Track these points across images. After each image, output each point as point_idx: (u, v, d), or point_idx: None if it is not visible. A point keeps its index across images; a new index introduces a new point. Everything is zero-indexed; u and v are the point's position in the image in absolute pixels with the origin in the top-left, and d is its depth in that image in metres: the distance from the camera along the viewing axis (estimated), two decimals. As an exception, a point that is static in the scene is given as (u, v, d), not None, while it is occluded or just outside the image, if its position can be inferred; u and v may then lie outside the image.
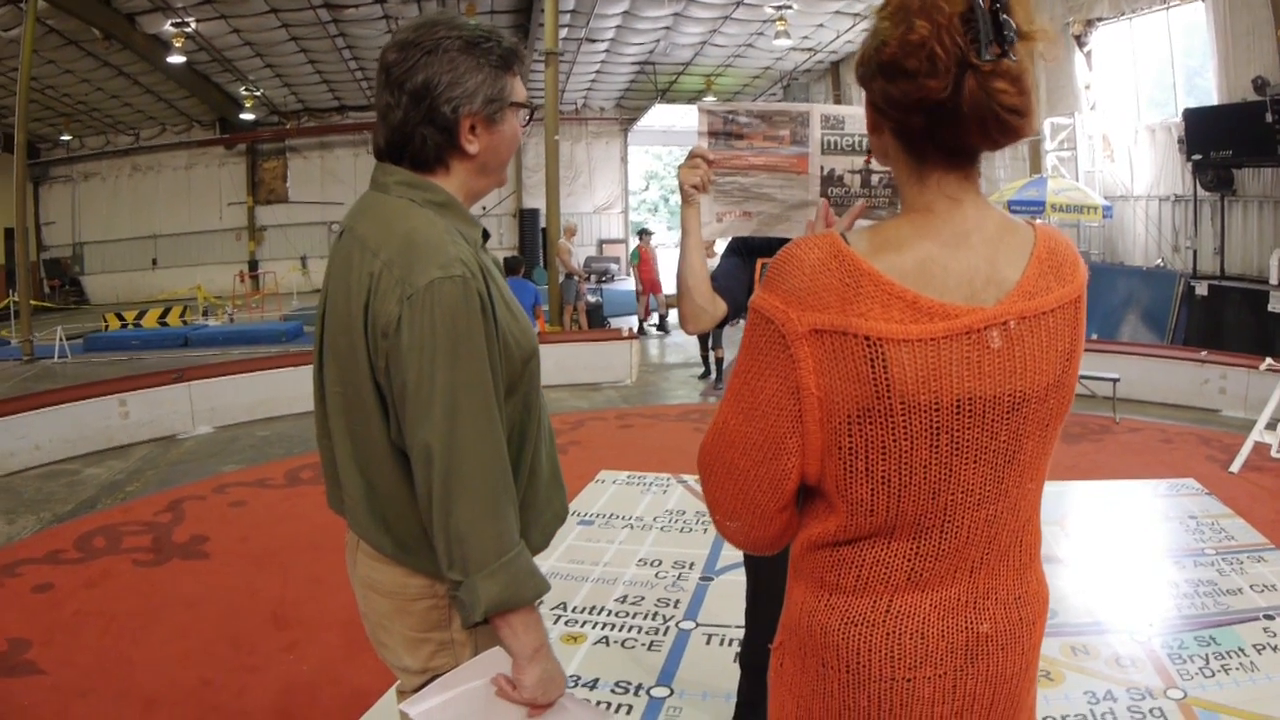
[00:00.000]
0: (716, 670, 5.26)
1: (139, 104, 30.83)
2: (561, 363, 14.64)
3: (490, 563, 2.21)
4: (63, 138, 32.83)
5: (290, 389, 12.72)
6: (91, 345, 20.79)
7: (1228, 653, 5.43)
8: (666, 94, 32.48)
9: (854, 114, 3.25)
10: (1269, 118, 14.55)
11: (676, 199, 3.47)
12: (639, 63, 29.88)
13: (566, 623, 6.03)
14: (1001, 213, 1.87)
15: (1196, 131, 16.20)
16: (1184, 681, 5.10)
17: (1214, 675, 5.17)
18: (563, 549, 7.27)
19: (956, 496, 1.77)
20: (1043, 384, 1.78)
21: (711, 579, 6.69)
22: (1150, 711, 4.81)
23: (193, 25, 22.90)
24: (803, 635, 1.92)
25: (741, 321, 2.33)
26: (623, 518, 8.06)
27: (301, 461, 10.06)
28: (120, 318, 24.06)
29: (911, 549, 1.81)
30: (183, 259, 34.08)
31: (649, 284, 21.21)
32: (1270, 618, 5.86)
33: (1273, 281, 15.12)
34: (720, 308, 3.44)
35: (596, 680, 5.28)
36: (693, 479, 8.65)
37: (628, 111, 36.30)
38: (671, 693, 5.14)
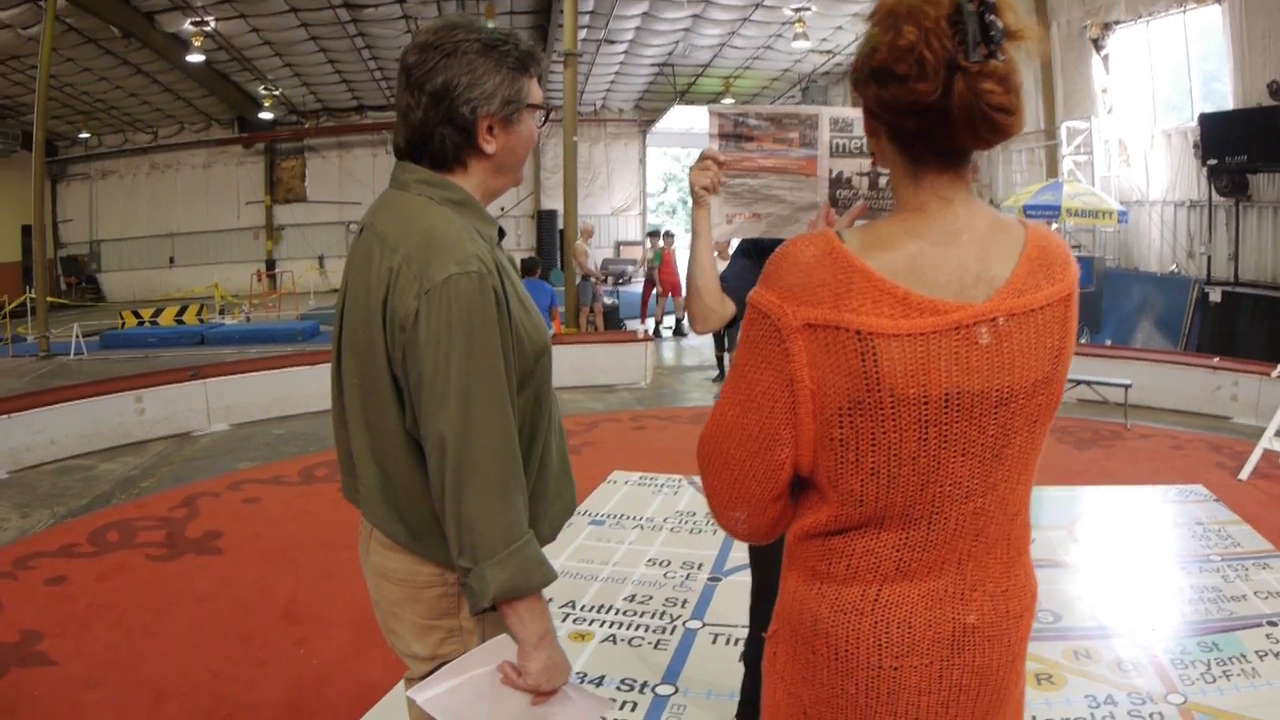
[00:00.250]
0: (722, 669, 5.28)
1: (157, 102, 30.87)
2: (577, 364, 14.67)
3: (499, 550, 2.27)
4: (81, 135, 32.87)
5: (306, 387, 12.76)
6: (108, 342, 20.83)
7: (1230, 659, 5.43)
8: (685, 96, 32.40)
9: (862, 117, 3.28)
10: (1284, 123, 14.55)
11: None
12: (658, 64, 29.86)
13: (575, 620, 6.08)
14: (993, 212, 1.91)
15: (1212, 136, 16.16)
16: (1185, 687, 5.11)
17: (1215, 681, 5.18)
18: (573, 548, 7.32)
19: (944, 489, 1.81)
20: (1031, 380, 1.81)
21: (720, 579, 6.73)
22: (1150, 716, 4.83)
23: (212, 24, 22.93)
24: (794, 623, 1.96)
25: None
26: (633, 518, 8.09)
27: (316, 459, 10.12)
28: (137, 315, 24.05)
29: (900, 539, 1.85)
30: (200, 257, 34.08)
31: (670, 286, 21.20)
32: (1274, 624, 5.86)
33: (1287, 288, 15.12)
34: (729, 308, 3.47)
35: (603, 677, 5.33)
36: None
37: (646, 113, 36.26)
38: (676, 691, 5.18)
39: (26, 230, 26.98)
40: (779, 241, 3.47)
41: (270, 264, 33.91)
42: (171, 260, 34.57)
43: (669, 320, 21.83)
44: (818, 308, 1.75)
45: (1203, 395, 12.62)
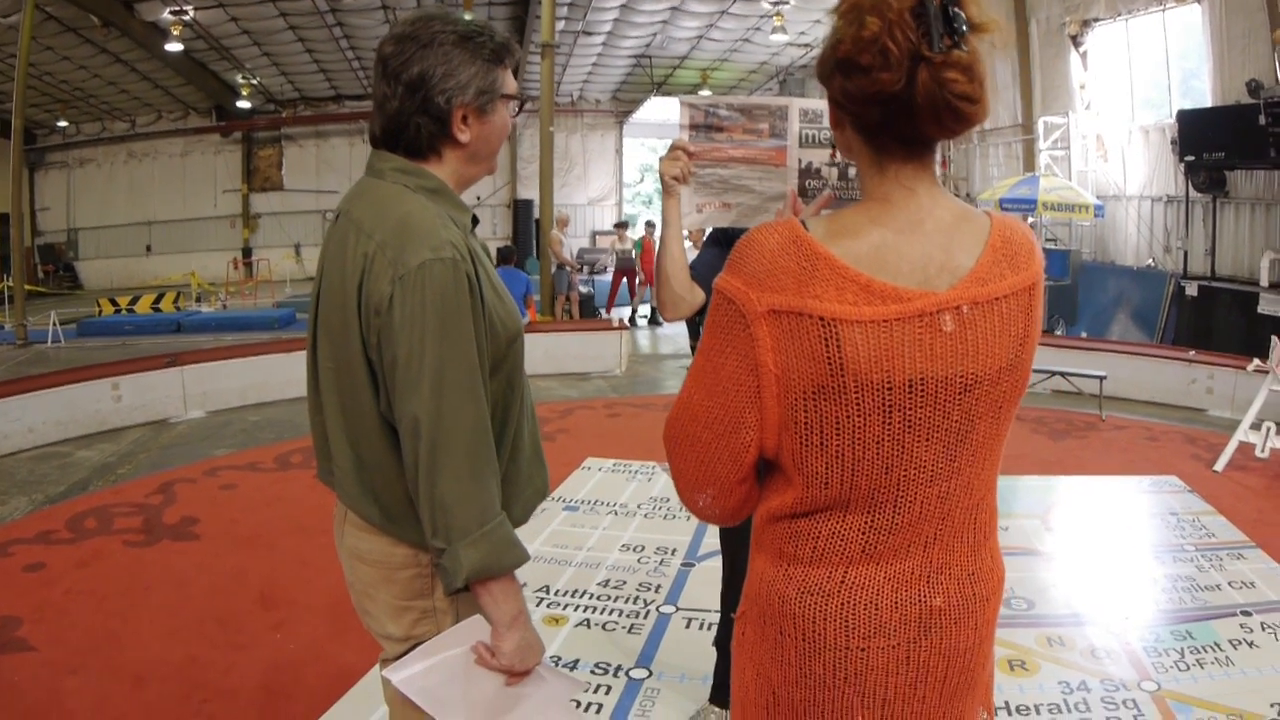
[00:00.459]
0: (695, 653, 5.29)
1: (135, 91, 30.70)
2: (551, 352, 14.70)
3: (472, 531, 2.30)
4: (59, 124, 32.65)
5: (282, 375, 12.76)
6: (85, 330, 20.73)
7: (1203, 647, 5.48)
8: (663, 87, 32.36)
9: None
10: (1262, 120, 14.62)
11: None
12: (635, 56, 29.84)
13: (549, 605, 6.10)
14: (958, 202, 1.93)
15: (1190, 133, 16.26)
16: (1159, 674, 5.15)
17: (1189, 669, 5.22)
18: (547, 534, 7.33)
19: (909, 472, 1.84)
20: (995, 367, 1.84)
21: (693, 565, 6.77)
22: (1124, 703, 4.87)
23: (191, 13, 22.84)
24: (763, 604, 1.99)
25: None
26: (607, 504, 8.12)
27: (291, 446, 10.11)
28: (114, 303, 23.94)
29: (866, 522, 1.88)
30: (177, 245, 33.86)
31: (651, 274, 21.18)
32: (1247, 614, 5.91)
33: (1263, 283, 15.20)
34: (698, 296, 3.51)
35: (577, 661, 5.36)
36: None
37: (623, 104, 36.14)
38: (650, 674, 5.21)
39: (4, 218, 26.74)
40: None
41: (247, 252, 33.81)
42: (148, 248, 34.35)
43: (645, 309, 21.84)
44: (782, 294, 1.78)
45: (1178, 388, 12.70)
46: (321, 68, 30.15)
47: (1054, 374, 11.94)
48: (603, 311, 21.68)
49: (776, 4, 22.52)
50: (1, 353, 18.11)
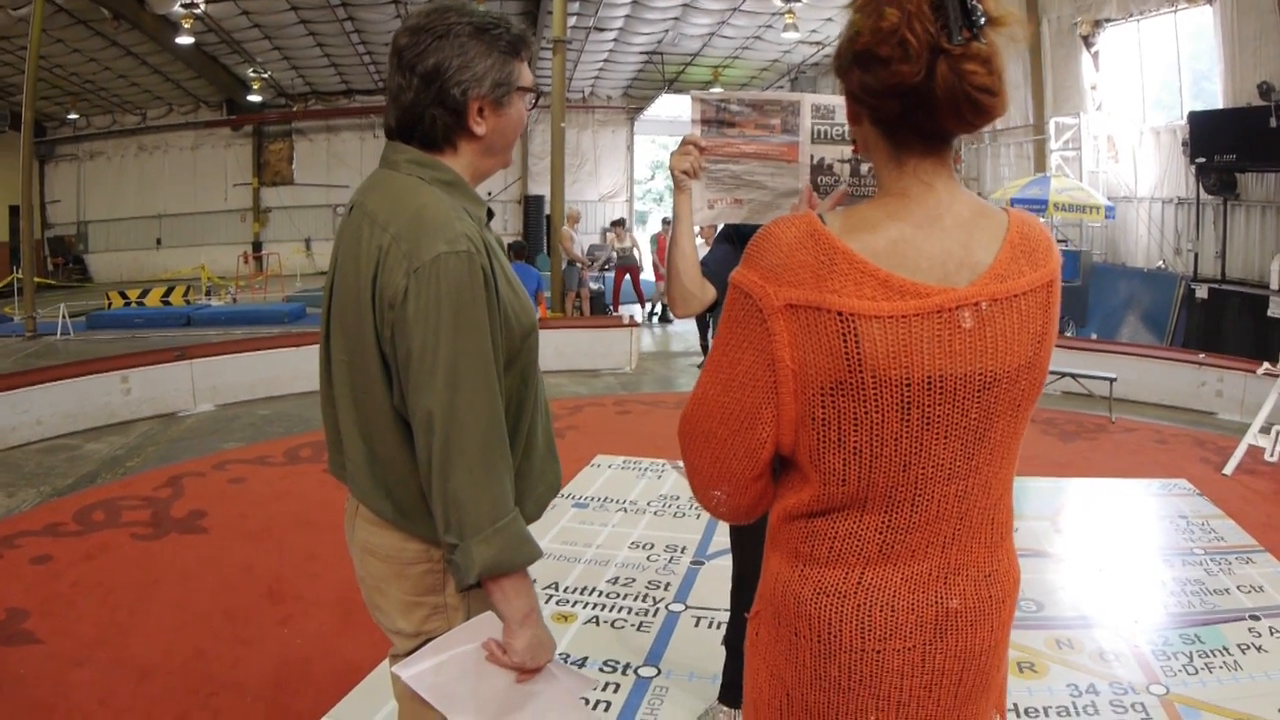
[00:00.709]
0: (704, 652, 5.30)
1: (146, 84, 30.70)
2: (562, 349, 14.68)
3: (485, 527, 2.29)
4: (69, 116, 32.67)
5: (292, 369, 12.71)
6: (94, 323, 20.74)
7: (1212, 651, 5.45)
8: (674, 84, 32.33)
9: (844, 104, 3.30)
10: (1273, 122, 14.57)
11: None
12: (647, 52, 29.76)
13: (558, 602, 6.09)
14: (975, 198, 1.92)
15: (1201, 135, 16.20)
16: (1167, 678, 5.13)
17: (1197, 673, 5.20)
18: (556, 530, 7.34)
19: (927, 471, 1.83)
20: (1014, 365, 1.83)
21: (703, 563, 6.76)
22: (1132, 706, 4.85)
23: (202, 6, 22.81)
24: (777, 605, 1.97)
25: None
26: (617, 501, 8.11)
27: (301, 440, 10.11)
28: (124, 296, 23.91)
29: (883, 522, 1.86)
30: (187, 239, 33.86)
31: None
32: (1256, 618, 5.89)
33: (1273, 286, 15.11)
34: (709, 292, 3.49)
35: (585, 659, 5.35)
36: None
37: (635, 101, 36.12)
38: (659, 672, 5.20)
39: (14, 211, 26.79)
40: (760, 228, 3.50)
41: (257, 246, 33.76)
42: (158, 241, 34.37)
43: (657, 306, 21.83)
44: (799, 288, 1.77)
45: (1188, 390, 12.66)
46: (332, 62, 30.12)
47: (1064, 375, 11.90)
48: (612, 308, 21.65)
49: (788, 1, 22.45)
50: (11, 345, 18.13)
